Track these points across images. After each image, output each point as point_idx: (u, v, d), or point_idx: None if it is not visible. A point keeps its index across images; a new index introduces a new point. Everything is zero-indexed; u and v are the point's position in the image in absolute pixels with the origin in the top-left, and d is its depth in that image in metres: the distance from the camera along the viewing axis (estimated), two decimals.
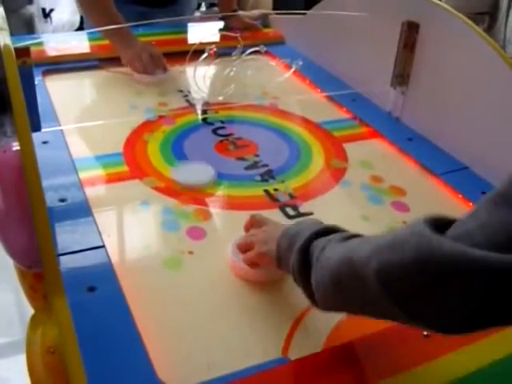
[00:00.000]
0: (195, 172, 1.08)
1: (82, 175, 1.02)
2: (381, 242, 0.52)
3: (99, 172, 1.07)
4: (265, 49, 1.34)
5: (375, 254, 0.52)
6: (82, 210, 0.93)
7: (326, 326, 0.75)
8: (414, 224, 0.50)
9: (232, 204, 1.03)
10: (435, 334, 0.50)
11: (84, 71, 1.50)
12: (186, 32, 1.74)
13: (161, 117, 1.28)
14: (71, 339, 0.67)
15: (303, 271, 0.66)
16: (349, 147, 1.22)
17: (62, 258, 0.81)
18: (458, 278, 0.44)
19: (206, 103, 1.35)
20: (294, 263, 0.67)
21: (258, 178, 1.09)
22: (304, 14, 1.63)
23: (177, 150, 1.16)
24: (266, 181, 1.08)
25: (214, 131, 1.25)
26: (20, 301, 1.89)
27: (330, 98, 1.42)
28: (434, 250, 0.46)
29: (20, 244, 0.94)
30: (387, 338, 0.72)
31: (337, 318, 0.76)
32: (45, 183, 0.78)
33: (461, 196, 1.07)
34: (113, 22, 1.43)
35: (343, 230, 0.69)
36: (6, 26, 0.90)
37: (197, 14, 2.96)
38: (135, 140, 1.18)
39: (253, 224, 0.87)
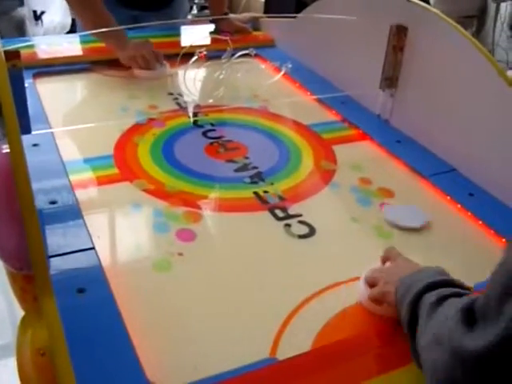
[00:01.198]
0: (406, 214, 1.02)
1: (73, 177, 1.03)
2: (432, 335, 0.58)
3: (89, 174, 1.07)
4: (254, 52, 1.35)
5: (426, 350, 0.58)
6: (72, 212, 0.93)
7: (314, 326, 0.76)
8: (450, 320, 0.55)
9: (222, 206, 1.03)
10: None
11: (75, 74, 1.50)
12: (176, 35, 1.75)
13: (151, 119, 1.29)
14: (60, 341, 0.67)
15: (411, 328, 0.67)
16: (338, 149, 1.23)
17: (52, 259, 0.81)
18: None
19: (197, 106, 1.35)
20: (404, 318, 0.68)
21: (248, 180, 1.10)
22: (294, 17, 1.64)
23: (167, 152, 1.17)
24: (256, 183, 1.09)
25: (204, 134, 1.25)
26: (11, 303, 1.89)
27: (320, 101, 1.43)
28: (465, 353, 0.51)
29: (10, 246, 0.94)
30: (374, 338, 0.73)
31: (324, 318, 0.77)
32: (35, 185, 0.78)
33: (449, 197, 1.08)
34: (105, 21, 1.44)
35: (454, 283, 0.69)
36: None
37: (188, 17, 2.97)
38: (125, 142, 1.18)
39: (388, 257, 0.85)
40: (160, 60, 1.50)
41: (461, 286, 0.69)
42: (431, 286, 0.67)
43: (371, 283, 0.81)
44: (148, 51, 1.48)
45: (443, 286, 0.67)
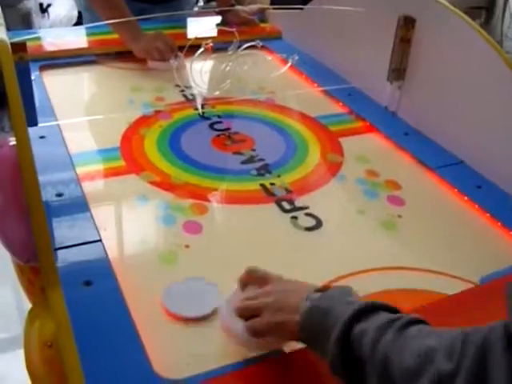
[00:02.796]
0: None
1: (79, 170, 1.03)
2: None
3: (96, 167, 1.07)
4: (261, 43, 1.34)
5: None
6: (78, 205, 0.94)
7: None
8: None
9: (228, 198, 1.03)
10: None
11: (81, 66, 1.50)
12: (183, 27, 1.74)
13: (158, 111, 1.28)
14: (67, 333, 0.68)
15: (345, 367, 0.57)
16: (345, 141, 1.22)
17: (59, 252, 0.81)
18: None
19: (203, 98, 1.35)
20: (334, 357, 0.57)
21: (255, 172, 1.09)
22: (301, 8, 1.63)
23: (173, 144, 1.16)
24: (263, 175, 1.08)
25: (211, 126, 1.25)
26: (18, 296, 1.90)
27: (327, 93, 1.42)
28: None
29: (18, 238, 0.94)
30: None
31: None
32: (42, 178, 0.78)
33: (456, 190, 1.07)
34: (121, 13, 1.46)
35: (383, 306, 0.59)
36: (2, 21, 0.90)
37: (195, 8, 2.96)
38: (132, 135, 1.18)
39: (250, 280, 0.73)
40: (175, 51, 1.48)
41: (387, 307, 0.59)
42: (362, 313, 0.57)
43: (247, 314, 0.68)
44: (162, 43, 1.48)
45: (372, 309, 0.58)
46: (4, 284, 1.97)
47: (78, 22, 2.96)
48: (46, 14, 3.10)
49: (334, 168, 1.13)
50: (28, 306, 1.01)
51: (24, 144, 0.73)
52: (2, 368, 1.73)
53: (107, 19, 1.46)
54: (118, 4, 1.50)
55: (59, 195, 0.95)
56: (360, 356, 0.55)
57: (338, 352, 0.56)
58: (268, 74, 1.41)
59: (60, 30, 2.24)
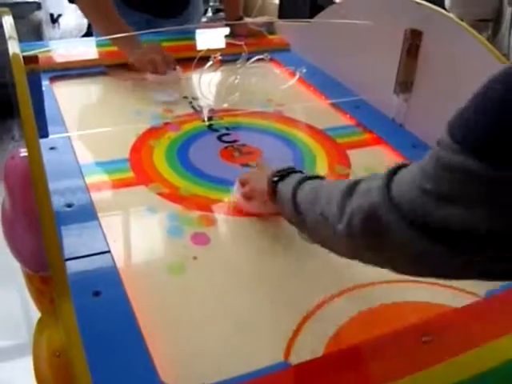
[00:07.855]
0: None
1: (89, 181, 1.04)
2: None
3: (105, 178, 1.08)
4: (269, 56, 1.36)
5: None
6: (88, 215, 0.95)
7: (327, 330, 0.76)
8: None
9: (236, 210, 1.04)
10: None
11: (91, 77, 1.52)
12: (191, 39, 1.76)
13: (166, 123, 1.29)
14: (77, 343, 0.68)
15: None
16: (352, 154, 1.23)
17: (68, 262, 0.82)
18: None
19: (211, 110, 1.36)
20: (287, 194, 0.83)
21: None
22: (308, 21, 1.64)
23: (182, 156, 1.17)
24: None
25: (219, 138, 1.26)
26: (26, 304, 1.91)
27: (334, 105, 1.43)
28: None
29: (27, 248, 0.96)
30: (387, 343, 0.73)
31: (338, 322, 0.77)
32: (52, 188, 0.79)
33: None
34: (119, 28, 1.45)
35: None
36: (15, 35, 0.91)
37: (203, 19, 2.98)
38: (141, 146, 1.19)
39: (247, 180, 1.02)
40: (170, 64, 1.48)
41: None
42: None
43: (243, 183, 1.01)
44: (156, 55, 1.47)
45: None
46: (11, 292, 1.98)
47: (88, 32, 2.99)
48: (56, 25, 3.13)
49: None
50: (35, 313, 1.02)
51: (36, 156, 0.74)
52: (9, 375, 1.74)
53: (102, 30, 1.48)
54: (116, 19, 1.50)
55: (69, 205, 0.96)
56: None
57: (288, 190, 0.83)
58: (276, 86, 1.42)
59: (70, 42, 2.26)
